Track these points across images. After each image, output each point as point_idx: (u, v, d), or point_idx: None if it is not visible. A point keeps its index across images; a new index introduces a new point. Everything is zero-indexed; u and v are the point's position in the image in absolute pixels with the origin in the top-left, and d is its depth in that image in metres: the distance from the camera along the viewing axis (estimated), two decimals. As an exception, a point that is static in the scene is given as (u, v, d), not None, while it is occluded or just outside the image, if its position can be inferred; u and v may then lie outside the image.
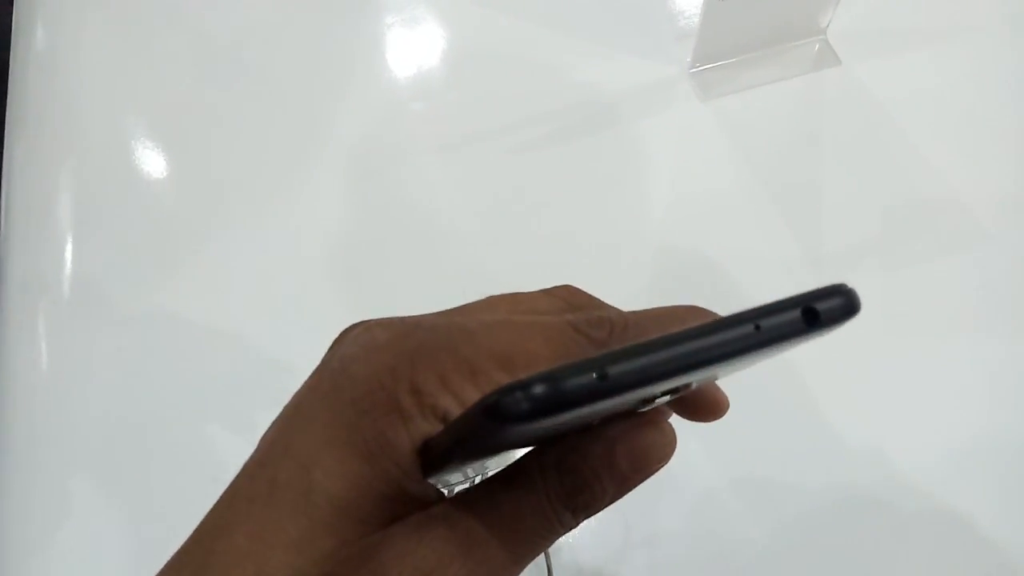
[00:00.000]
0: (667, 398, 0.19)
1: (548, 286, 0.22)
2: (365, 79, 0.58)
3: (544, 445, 0.20)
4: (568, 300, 0.22)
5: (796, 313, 0.16)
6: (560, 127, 0.55)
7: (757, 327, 0.15)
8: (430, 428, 0.19)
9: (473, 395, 0.18)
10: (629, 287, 0.49)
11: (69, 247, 0.52)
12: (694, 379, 0.17)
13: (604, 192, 0.53)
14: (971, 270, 0.50)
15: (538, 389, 0.14)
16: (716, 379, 0.22)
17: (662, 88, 0.56)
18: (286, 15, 0.61)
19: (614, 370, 0.14)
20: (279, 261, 0.51)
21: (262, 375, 0.47)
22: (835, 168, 0.53)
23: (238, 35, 0.60)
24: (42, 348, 0.49)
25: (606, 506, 0.20)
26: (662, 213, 0.52)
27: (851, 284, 0.16)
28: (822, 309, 0.16)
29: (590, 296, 0.23)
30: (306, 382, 0.21)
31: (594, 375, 0.14)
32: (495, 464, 0.21)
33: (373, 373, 0.19)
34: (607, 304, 0.23)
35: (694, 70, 0.55)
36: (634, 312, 0.21)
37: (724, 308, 0.21)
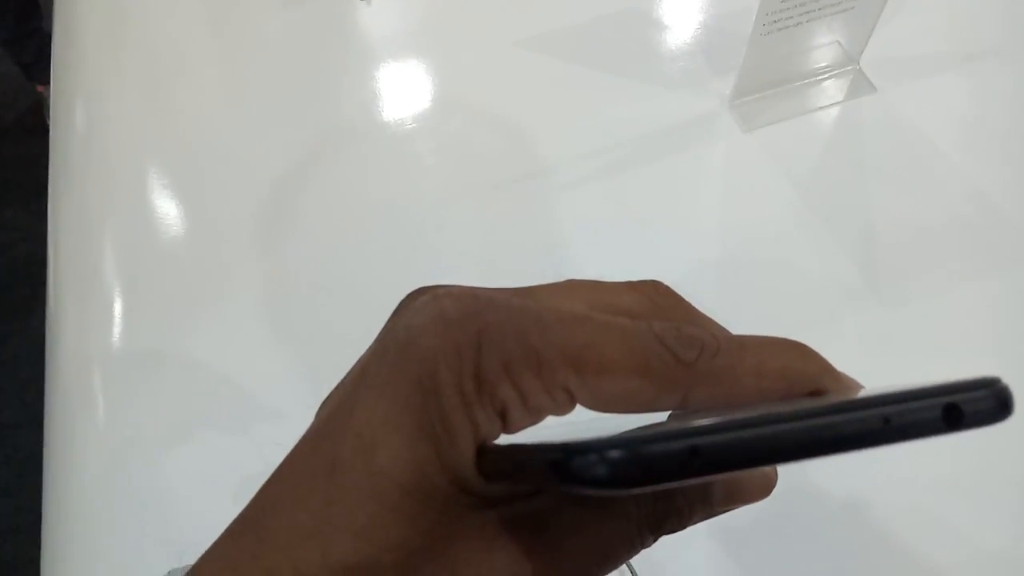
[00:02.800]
0: None
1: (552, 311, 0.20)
2: (390, 127, 0.59)
3: None
4: (655, 300, 0.21)
5: (935, 410, 0.13)
6: (602, 164, 0.57)
7: (886, 420, 0.13)
8: (487, 420, 0.17)
9: (535, 390, 0.17)
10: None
11: (117, 304, 0.53)
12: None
13: (653, 226, 0.54)
14: (1020, 289, 0.51)
15: (616, 455, 0.12)
16: None
17: (705, 122, 0.58)
18: (300, 63, 0.62)
19: (706, 444, 0.12)
20: (306, 299, 0.52)
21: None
22: (880, 191, 0.55)
23: (258, 91, 0.62)
24: (99, 401, 0.50)
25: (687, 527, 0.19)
26: (713, 243, 0.54)
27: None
28: (968, 409, 0.13)
29: (679, 298, 0.21)
30: (369, 349, 0.20)
31: (684, 449, 0.12)
32: None
33: (440, 350, 0.18)
34: (696, 310, 0.21)
35: (736, 102, 0.57)
36: (729, 335, 0.19)
37: (785, 334, 0.21)
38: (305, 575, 0.17)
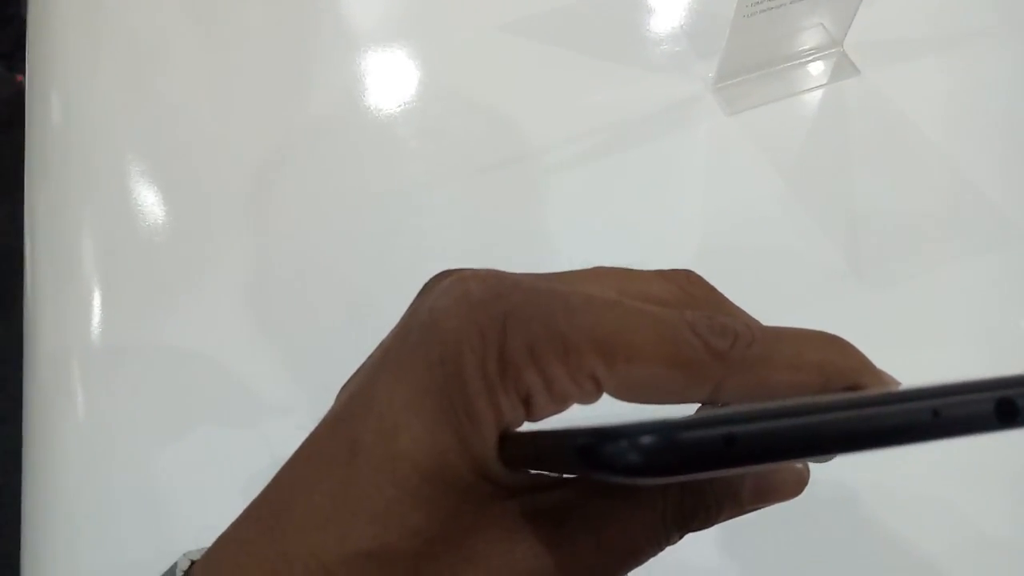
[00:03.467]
0: None
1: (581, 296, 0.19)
2: (373, 114, 0.58)
3: None
4: (686, 289, 0.20)
5: (988, 404, 0.13)
6: (586, 148, 0.56)
7: (935, 413, 0.12)
8: (510, 406, 0.17)
9: (561, 376, 0.17)
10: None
11: (96, 296, 0.52)
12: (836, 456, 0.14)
13: (636, 210, 0.54)
14: (1007, 269, 0.51)
15: (648, 441, 0.12)
16: None
17: (687, 105, 0.58)
18: (281, 54, 0.62)
19: (746, 433, 0.12)
20: (289, 286, 0.52)
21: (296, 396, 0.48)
22: (863, 174, 0.55)
23: (238, 78, 0.61)
24: (78, 395, 0.49)
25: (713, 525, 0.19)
26: (696, 226, 0.53)
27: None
28: (1022, 404, 0.13)
29: (711, 288, 0.21)
30: (392, 332, 0.20)
31: (720, 437, 0.12)
32: None
33: (464, 332, 0.17)
34: (729, 301, 0.21)
35: (719, 85, 0.57)
36: (764, 326, 0.18)
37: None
38: (322, 560, 0.17)
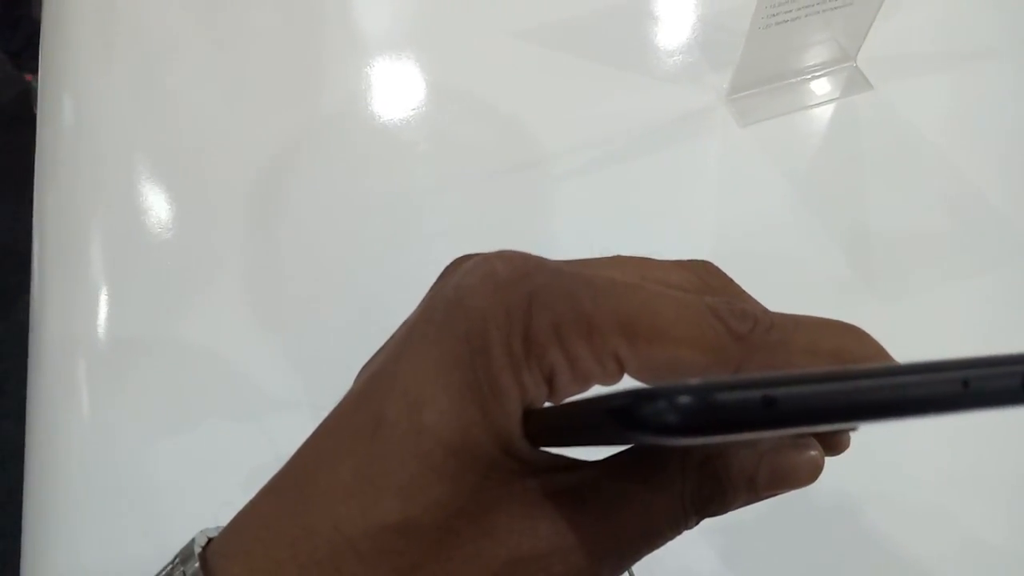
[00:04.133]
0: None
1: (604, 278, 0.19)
2: (382, 117, 0.58)
3: None
4: (704, 279, 0.20)
5: (1017, 376, 0.13)
6: (597, 156, 0.56)
7: (965, 383, 0.13)
8: (534, 383, 0.17)
9: (585, 355, 0.17)
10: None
11: (104, 294, 0.52)
12: (863, 425, 0.14)
13: (648, 219, 0.54)
14: (1017, 283, 0.51)
15: (686, 401, 0.11)
16: None
17: (700, 116, 0.58)
18: (289, 60, 0.62)
19: (784, 395, 0.12)
20: (296, 286, 0.51)
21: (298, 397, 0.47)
22: (874, 188, 0.55)
23: (248, 81, 0.61)
24: (83, 392, 0.49)
25: (727, 512, 0.19)
26: (708, 237, 0.53)
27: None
28: None
29: (728, 279, 0.21)
30: (417, 309, 0.20)
31: (759, 397, 0.12)
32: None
33: (489, 309, 0.17)
34: (746, 293, 0.21)
35: (732, 97, 0.57)
36: (781, 313, 0.19)
37: None
38: (345, 533, 0.17)
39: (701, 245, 0.53)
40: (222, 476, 0.45)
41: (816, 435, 0.19)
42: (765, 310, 0.18)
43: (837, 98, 0.58)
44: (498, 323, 0.17)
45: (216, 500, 0.44)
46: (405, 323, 0.20)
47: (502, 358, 0.17)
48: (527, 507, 0.17)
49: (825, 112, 0.58)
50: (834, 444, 0.20)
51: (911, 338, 0.49)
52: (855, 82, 0.58)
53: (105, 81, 0.61)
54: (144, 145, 0.58)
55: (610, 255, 0.20)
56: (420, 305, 0.20)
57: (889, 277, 0.51)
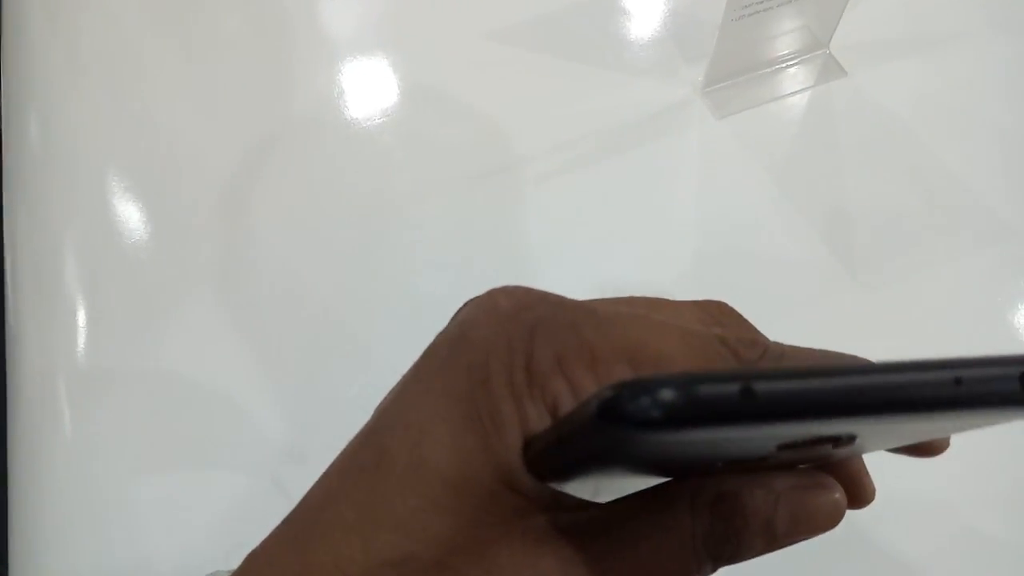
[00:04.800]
0: (808, 452, 0.15)
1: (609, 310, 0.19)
2: (357, 124, 0.58)
3: (684, 477, 0.18)
4: (718, 318, 0.20)
5: (1014, 375, 0.12)
6: (574, 155, 0.56)
7: (958, 380, 0.12)
8: (537, 414, 0.17)
9: (590, 386, 0.16)
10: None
11: (81, 313, 0.51)
12: (853, 430, 0.14)
13: (626, 216, 0.54)
14: (999, 266, 0.51)
15: (667, 394, 0.11)
16: (864, 452, 0.19)
17: (676, 110, 0.57)
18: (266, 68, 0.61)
19: (764, 386, 0.11)
20: (275, 300, 0.51)
21: (279, 419, 0.47)
22: (853, 175, 0.55)
23: (218, 92, 0.60)
24: (65, 414, 0.48)
25: (746, 560, 0.18)
26: (688, 231, 0.53)
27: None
28: None
29: (742, 318, 0.21)
30: (426, 348, 0.20)
31: (737, 388, 0.11)
32: (610, 492, 0.18)
33: (491, 341, 0.17)
34: (758, 331, 0.21)
35: (708, 89, 0.57)
36: (791, 346, 0.19)
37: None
38: (345, 571, 0.17)
39: (681, 240, 0.53)
40: (205, 493, 0.45)
41: (843, 483, 0.18)
42: (776, 343, 0.18)
43: (812, 86, 0.58)
44: (499, 355, 0.17)
45: (198, 523, 0.44)
46: (416, 361, 0.20)
47: (503, 389, 0.17)
48: (530, 544, 0.17)
49: (801, 100, 0.58)
50: (859, 494, 0.20)
51: (893, 323, 0.49)
52: (829, 69, 0.58)
53: (71, 94, 0.60)
54: (115, 161, 0.57)
55: (625, 296, 0.20)
56: (430, 344, 0.20)
57: (871, 265, 0.51)
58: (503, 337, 0.17)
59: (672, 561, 0.17)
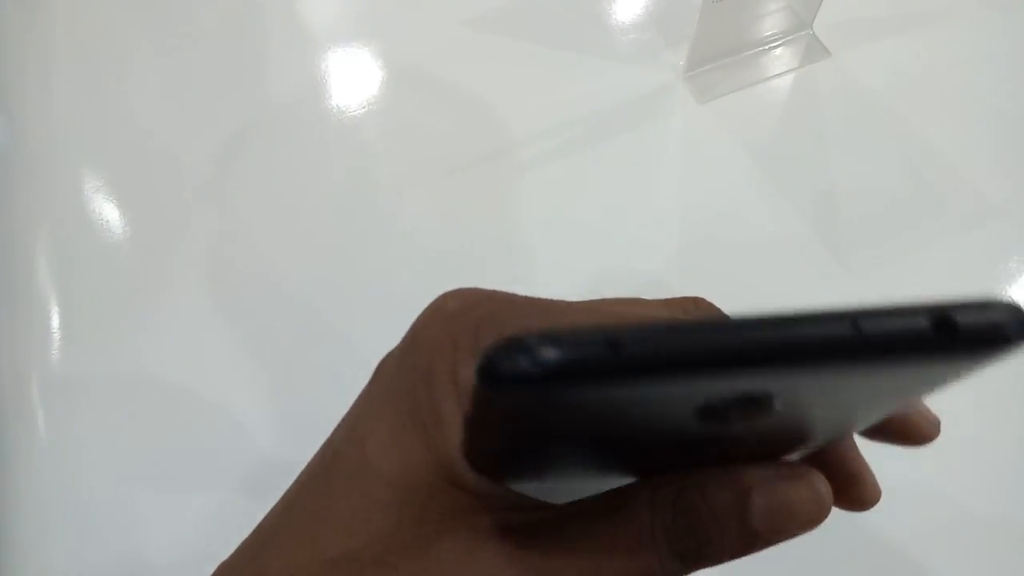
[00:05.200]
0: (745, 427, 0.14)
1: (563, 305, 0.19)
2: (337, 117, 0.57)
3: (648, 476, 0.17)
4: (689, 310, 0.20)
5: (921, 320, 0.11)
6: (557, 143, 0.55)
7: (856, 327, 0.11)
8: None
9: None
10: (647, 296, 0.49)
11: (55, 315, 0.50)
12: (762, 386, 0.12)
13: (610, 203, 0.53)
14: (986, 246, 0.50)
15: (539, 347, 0.11)
16: (848, 433, 0.19)
17: (659, 95, 0.57)
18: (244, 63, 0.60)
19: (633, 335, 0.11)
20: (254, 298, 0.50)
21: (257, 428, 0.46)
22: (839, 156, 0.54)
23: (194, 87, 0.59)
24: (39, 416, 0.47)
25: (726, 561, 0.16)
26: (673, 217, 0.52)
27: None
28: (963, 321, 0.11)
29: (720, 310, 0.20)
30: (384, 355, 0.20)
31: (603, 337, 0.11)
32: (569, 493, 0.18)
33: (437, 339, 0.17)
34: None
35: (690, 74, 0.56)
36: None
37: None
38: (293, 573, 0.17)
39: (666, 226, 0.52)
40: (185, 493, 0.44)
41: (841, 482, 0.18)
42: None
43: (796, 67, 0.57)
44: (443, 353, 0.17)
45: (177, 527, 0.43)
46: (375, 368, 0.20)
47: (445, 386, 0.17)
48: (472, 541, 0.16)
49: (784, 82, 0.57)
50: (860, 494, 0.19)
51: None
52: (813, 50, 0.57)
53: (42, 91, 0.59)
54: (89, 156, 0.56)
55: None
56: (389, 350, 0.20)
57: (857, 248, 0.50)
58: (448, 336, 0.17)
59: (630, 557, 0.16)
